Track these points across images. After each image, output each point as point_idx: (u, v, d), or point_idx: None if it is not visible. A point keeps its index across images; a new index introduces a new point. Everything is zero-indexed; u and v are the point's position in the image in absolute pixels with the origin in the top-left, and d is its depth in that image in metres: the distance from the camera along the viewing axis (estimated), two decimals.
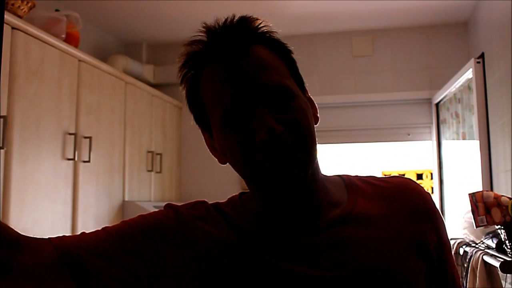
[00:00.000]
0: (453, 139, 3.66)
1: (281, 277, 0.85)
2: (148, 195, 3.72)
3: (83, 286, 0.86)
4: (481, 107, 3.06)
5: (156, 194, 3.83)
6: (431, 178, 4.36)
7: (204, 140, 1.00)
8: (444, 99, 3.78)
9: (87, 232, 0.93)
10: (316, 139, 0.90)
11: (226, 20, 0.90)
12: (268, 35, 0.92)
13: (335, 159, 4.49)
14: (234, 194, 1.00)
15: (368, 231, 0.90)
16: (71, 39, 2.95)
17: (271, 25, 0.93)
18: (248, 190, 0.99)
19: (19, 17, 2.52)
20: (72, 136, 2.79)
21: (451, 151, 3.76)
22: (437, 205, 1.01)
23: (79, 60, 2.93)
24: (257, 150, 0.84)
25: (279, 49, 0.92)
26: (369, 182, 0.99)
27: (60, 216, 2.71)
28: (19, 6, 2.54)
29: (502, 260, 1.95)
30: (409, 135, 4.11)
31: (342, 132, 4.12)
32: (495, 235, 2.22)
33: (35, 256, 0.86)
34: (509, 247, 1.98)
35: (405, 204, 0.95)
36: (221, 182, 4.03)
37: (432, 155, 4.06)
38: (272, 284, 0.85)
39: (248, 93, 0.85)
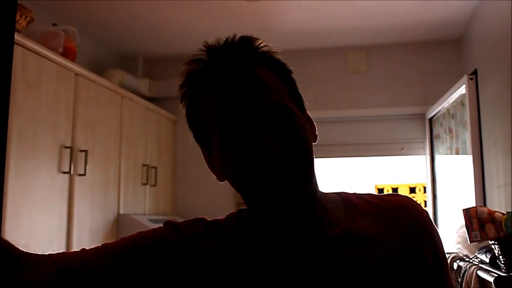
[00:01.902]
0: (447, 154, 3.68)
1: None
2: (143, 208, 3.71)
3: None
4: (474, 123, 3.08)
5: (151, 208, 3.82)
6: (424, 192, 4.37)
7: (201, 156, 0.99)
8: (438, 115, 3.81)
9: (87, 248, 0.93)
10: (314, 157, 0.90)
11: (227, 39, 0.91)
12: (268, 55, 0.92)
13: (330, 173, 4.50)
14: (232, 211, 1.00)
15: (365, 251, 0.90)
16: (68, 53, 2.96)
17: (271, 45, 0.93)
18: (246, 206, 0.99)
19: (18, 31, 2.53)
20: (68, 150, 2.79)
21: (445, 165, 3.78)
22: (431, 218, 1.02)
23: (76, 74, 2.94)
24: (256, 170, 0.84)
25: (279, 70, 0.93)
26: (367, 200, 0.99)
27: (56, 229, 2.70)
28: (17, 21, 2.55)
29: (496, 275, 1.95)
30: (402, 149, 4.13)
31: (337, 146, 4.13)
32: (488, 250, 2.23)
33: (35, 272, 0.85)
34: (503, 262, 1.98)
35: (403, 223, 0.95)
36: (216, 196, 4.02)
37: (426, 170, 4.08)
38: None
39: (248, 113, 0.85)
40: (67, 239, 2.78)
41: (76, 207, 2.86)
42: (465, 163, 3.22)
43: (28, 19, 2.68)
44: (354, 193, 1.01)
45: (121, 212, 3.37)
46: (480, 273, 2.19)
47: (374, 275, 0.87)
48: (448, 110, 3.59)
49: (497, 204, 2.77)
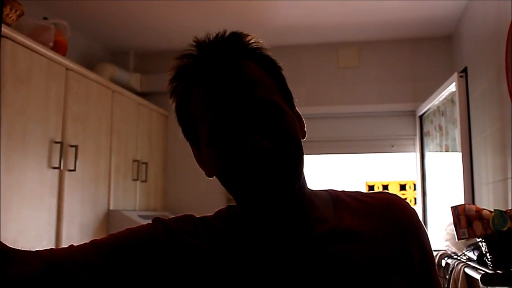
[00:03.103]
0: (436, 151, 3.69)
1: None
2: (133, 204, 3.70)
3: None
4: (464, 121, 3.09)
5: (141, 203, 3.81)
6: (414, 189, 4.39)
7: (191, 152, 0.99)
8: (428, 112, 3.82)
9: (75, 244, 0.92)
10: (304, 153, 0.90)
11: (217, 35, 0.91)
12: (258, 51, 0.92)
13: (320, 170, 4.50)
14: (222, 208, 1.00)
15: (353, 248, 0.90)
16: (59, 47, 2.94)
17: (261, 41, 0.93)
18: (235, 203, 0.99)
19: (8, 25, 2.51)
20: (58, 145, 2.78)
21: (434, 163, 3.79)
22: (420, 216, 1.02)
23: (67, 69, 2.92)
24: (244, 166, 0.84)
25: (268, 66, 0.92)
26: (356, 197, 0.99)
27: (45, 225, 2.69)
28: (7, 14, 2.53)
29: (483, 272, 1.96)
30: (393, 146, 4.14)
31: (327, 142, 4.14)
32: (476, 247, 2.24)
33: (22, 269, 0.85)
34: (490, 259, 1.99)
35: (391, 221, 0.96)
36: (206, 192, 4.01)
37: (416, 167, 4.09)
38: None
39: (236, 109, 0.85)
40: (56, 234, 2.77)
41: (66, 202, 2.84)
42: (455, 160, 3.23)
43: (18, 12, 2.66)
44: (343, 191, 1.02)
45: (111, 208, 3.36)
46: (468, 270, 2.20)
47: (362, 272, 0.88)
48: (438, 107, 3.60)
49: (486, 201, 2.78)
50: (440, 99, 3.50)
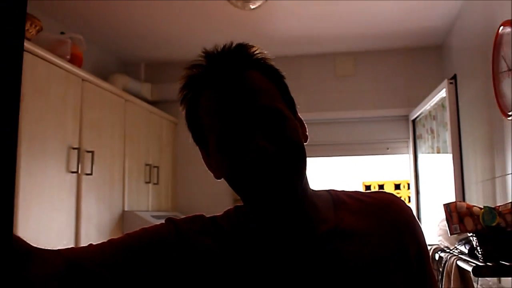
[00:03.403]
0: (428, 153, 3.69)
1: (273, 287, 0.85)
2: (146, 205, 3.70)
3: None
4: (454, 124, 3.08)
5: (153, 204, 3.81)
6: (408, 188, 4.37)
7: (200, 156, 0.99)
8: (420, 116, 3.82)
9: (93, 243, 0.93)
10: (306, 157, 0.90)
11: (224, 46, 0.91)
12: (262, 61, 0.92)
13: (320, 172, 4.50)
14: (230, 208, 0.99)
15: (353, 246, 0.90)
16: (75, 60, 2.95)
17: (265, 51, 0.94)
18: (242, 203, 0.99)
19: (28, 39, 2.52)
20: (76, 151, 2.78)
21: (427, 163, 3.79)
22: (414, 213, 1.02)
23: (82, 79, 2.93)
24: (250, 169, 0.84)
25: (272, 75, 0.93)
26: (355, 197, 0.99)
27: (65, 226, 2.69)
28: (27, 29, 2.55)
29: (474, 265, 1.96)
30: (388, 149, 4.13)
31: (327, 146, 4.14)
32: (467, 241, 2.24)
33: (45, 267, 0.85)
34: (480, 253, 1.99)
35: (388, 219, 0.95)
36: (213, 193, 4.01)
37: (409, 167, 4.09)
38: None
39: (243, 115, 0.85)
40: (75, 234, 2.78)
41: (83, 204, 2.85)
42: (446, 161, 3.23)
43: (37, 28, 2.67)
44: (343, 191, 1.01)
45: (125, 209, 3.36)
46: (460, 263, 2.19)
47: (362, 268, 0.88)
48: (430, 112, 3.60)
49: (475, 199, 2.78)
50: (432, 104, 3.50)
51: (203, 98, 0.91)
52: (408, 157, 4.09)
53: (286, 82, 0.96)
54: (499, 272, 1.92)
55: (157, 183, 3.86)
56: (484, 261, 1.95)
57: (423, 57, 3.97)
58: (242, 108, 0.86)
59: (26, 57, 2.39)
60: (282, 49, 3.93)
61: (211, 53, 0.91)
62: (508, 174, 2.28)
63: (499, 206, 1.99)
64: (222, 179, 0.93)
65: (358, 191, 1.01)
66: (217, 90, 0.89)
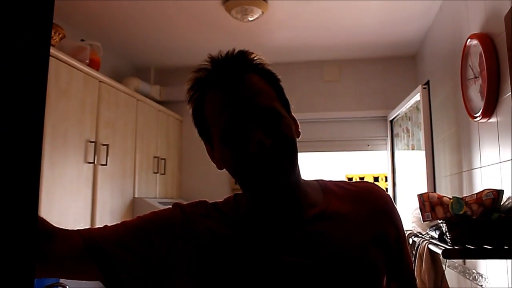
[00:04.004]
0: (404, 149, 3.69)
1: (270, 263, 0.86)
2: (154, 193, 3.69)
3: (106, 270, 0.86)
4: (427, 124, 3.09)
5: (161, 192, 3.80)
6: (386, 181, 4.38)
7: (202, 149, 0.99)
8: (397, 117, 3.82)
9: (109, 225, 0.92)
10: (297, 150, 0.90)
11: (227, 52, 0.91)
12: (261, 66, 0.93)
13: (309, 165, 4.50)
14: (230, 195, 1.00)
15: (339, 227, 0.90)
16: (93, 64, 2.93)
17: (263, 57, 0.94)
18: (241, 191, 0.99)
19: (52, 46, 2.50)
20: (93, 144, 2.77)
21: (403, 159, 3.79)
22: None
23: (100, 82, 2.91)
24: (250, 160, 0.84)
25: (269, 78, 0.93)
26: (341, 185, 1.00)
27: (82, 210, 2.68)
28: (52, 37, 2.52)
29: (443, 248, 1.96)
30: (368, 146, 4.13)
31: (314, 143, 4.13)
32: (438, 228, 2.24)
33: (65, 245, 0.85)
34: (449, 238, 1.99)
35: (370, 204, 0.96)
36: (214, 182, 4.01)
37: (387, 162, 4.09)
38: (263, 269, 0.85)
39: (243, 113, 0.86)
40: (91, 218, 2.77)
41: (99, 191, 2.84)
42: (419, 157, 3.23)
43: (60, 35, 2.65)
44: (330, 180, 1.02)
45: (136, 196, 3.35)
46: (431, 246, 2.19)
47: (346, 246, 0.88)
48: (405, 113, 3.60)
49: (444, 190, 2.78)
50: (407, 107, 3.50)
51: (208, 98, 0.91)
52: (386, 153, 4.09)
53: (282, 85, 0.96)
54: (465, 254, 1.92)
55: (164, 173, 3.85)
56: (452, 245, 1.95)
57: (399, 65, 3.97)
58: (243, 107, 0.86)
59: (50, 61, 2.37)
60: (276, 57, 3.92)
61: (216, 58, 0.92)
62: (474, 168, 2.29)
63: (466, 196, 1.99)
64: (223, 170, 0.93)
65: (344, 181, 1.02)
66: (221, 91, 0.89)
